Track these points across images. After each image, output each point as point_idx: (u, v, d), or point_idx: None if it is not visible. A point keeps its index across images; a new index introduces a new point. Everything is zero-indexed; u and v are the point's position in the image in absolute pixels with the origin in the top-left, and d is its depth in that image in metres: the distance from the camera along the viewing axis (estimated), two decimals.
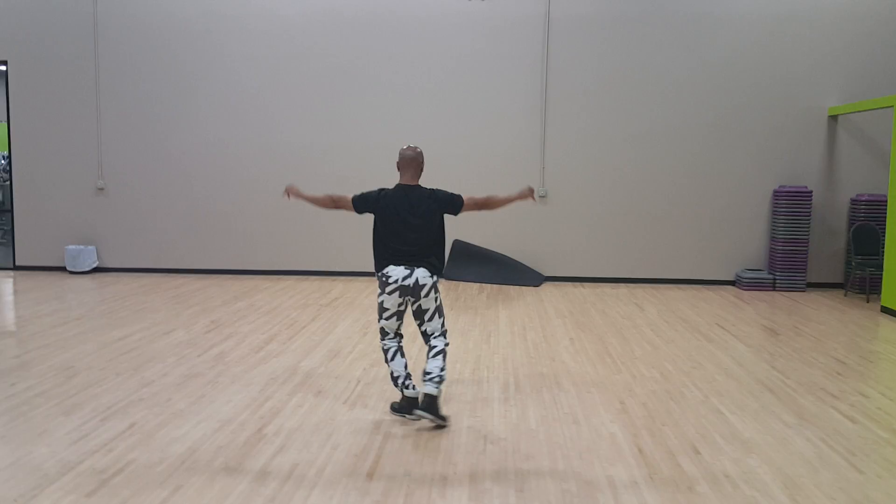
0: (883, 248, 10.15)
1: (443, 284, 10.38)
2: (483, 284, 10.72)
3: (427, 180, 10.47)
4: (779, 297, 10.18)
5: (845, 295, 10.43)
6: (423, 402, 4.94)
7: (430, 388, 4.93)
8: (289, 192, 5.43)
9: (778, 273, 10.67)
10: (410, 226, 5.10)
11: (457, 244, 10.94)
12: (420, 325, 5.23)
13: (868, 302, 9.88)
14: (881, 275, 9.96)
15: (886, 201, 10.40)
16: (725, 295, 10.31)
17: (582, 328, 8.06)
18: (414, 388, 5.13)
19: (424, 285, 5.07)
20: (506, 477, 4.21)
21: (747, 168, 10.93)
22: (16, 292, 9.85)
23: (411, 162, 5.27)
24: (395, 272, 5.07)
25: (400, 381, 5.09)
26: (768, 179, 10.94)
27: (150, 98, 11.33)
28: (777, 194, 10.77)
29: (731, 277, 11.07)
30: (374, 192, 5.24)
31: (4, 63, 11.44)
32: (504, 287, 10.55)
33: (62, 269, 11.57)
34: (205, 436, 4.77)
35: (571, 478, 4.20)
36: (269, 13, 11.11)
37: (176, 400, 5.48)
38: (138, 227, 11.49)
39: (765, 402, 5.65)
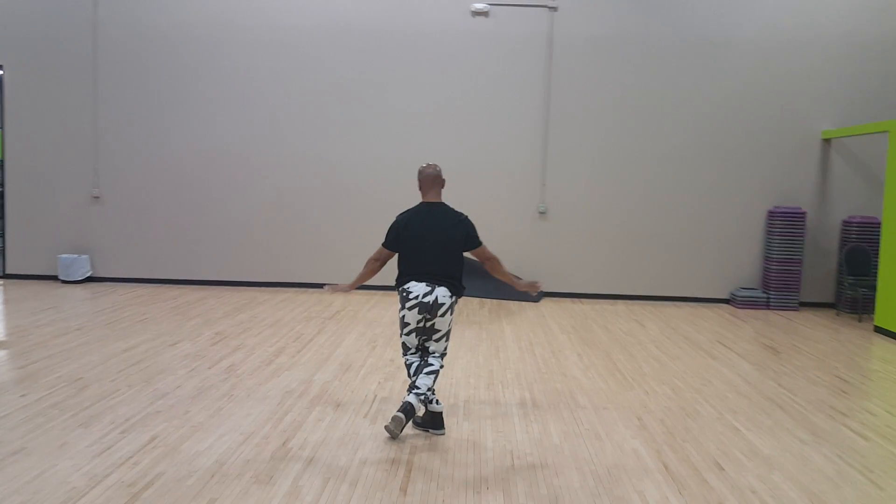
0: (874, 269, 10.32)
1: None
2: (483, 299, 10.75)
3: None
4: (773, 316, 10.31)
5: (837, 314, 10.58)
6: (402, 406, 4.92)
7: (412, 399, 4.94)
8: (335, 290, 5.44)
9: (772, 292, 10.81)
10: (433, 244, 5.14)
11: None
12: (425, 342, 5.25)
13: (860, 322, 10.04)
14: (873, 295, 10.13)
15: (878, 223, 10.59)
16: (721, 313, 10.42)
17: (587, 344, 8.11)
18: (438, 402, 5.15)
19: (443, 304, 5.10)
20: (538, 492, 4.23)
21: (743, 189, 11.09)
22: (8, 301, 9.72)
23: (434, 180, 5.32)
24: (417, 288, 5.10)
25: (423, 397, 5.10)
26: (763, 200, 11.10)
27: (148, 107, 11.27)
28: (772, 215, 10.93)
29: (725, 295, 11.20)
30: (395, 224, 5.28)
31: (1, 68, 11.33)
32: (504, 302, 10.59)
33: (54, 277, 11.43)
34: (230, 449, 4.75)
35: (603, 494, 4.23)
36: (271, 23, 11.12)
37: (194, 412, 5.44)
38: (133, 237, 11.40)
39: (777, 419, 5.72)
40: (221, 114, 11.24)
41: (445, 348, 5.28)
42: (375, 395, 6.00)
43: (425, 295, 5.07)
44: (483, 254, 5.31)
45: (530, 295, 10.80)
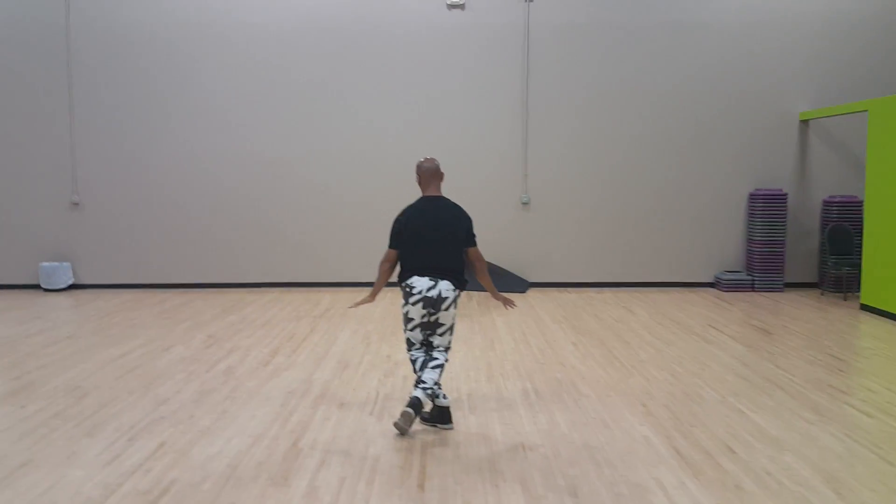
0: (857, 248, 10.46)
1: None
2: (471, 292, 10.72)
3: (411, 187, 10.48)
4: (758, 298, 10.42)
5: (822, 294, 10.72)
6: (410, 401, 4.92)
7: (419, 393, 4.93)
8: (359, 304, 5.45)
9: (756, 274, 10.92)
10: (436, 238, 5.13)
11: None
12: (429, 336, 5.23)
13: (846, 300, 10.18)
14: (857, 273, 10.27)
15: (858, 202, 10.73)
16: (707, 296, 10.51)
17: (581, 333, 8.14)
18: (445, 396, 5.14)
19: (446, 298, 5.09)
20: (555, 482, 4.24)
21: (724, 172, 11.19)
22: None
23: (434, 174, 5.31)
24: (420, 283, 5.08)
25: (430, 392, 5.09)
26: (744, 183, 11.20)
27: (125, 111, 11.11)
28: (753, 197, 11.04)
29: (710, 279, 11.30)
30: (397, 222, 5.26)
31: None
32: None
33: (35, 286, 11.25)
34: (240, 452, 4.71)
35: (620, 482, 4.25)
36: (245, 25, 11.01)
37: (198, 417, 5.39)
38: (115, 243, 11.25)
39: (780, 400, 5.79)
40: (199, 115, 11.11)
41: (450, 342, 5.27)
42: (378, 392, 5.98)
43: (429, 289, 5.05)
44: (475, 254, 5.29)
45: (517, 287, 10.82)
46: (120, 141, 11.13)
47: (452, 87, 11.08)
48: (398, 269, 5.30)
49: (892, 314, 8.85)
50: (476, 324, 8.59)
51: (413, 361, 5.24)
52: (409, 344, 5.29)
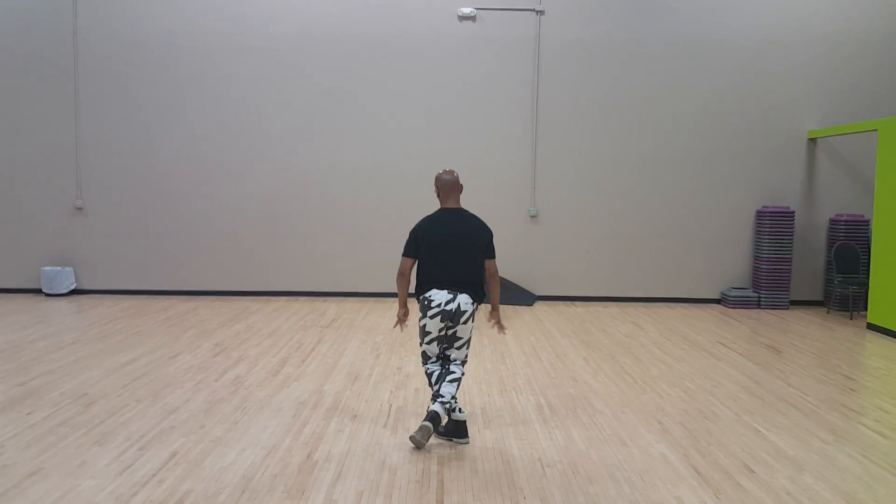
0: (863, 266, 10.45)
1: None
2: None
3: (419, 198, 10.47)
4: (765, 315, 10.39)
5: (828, 312, 10.69)
6: (428, 416, 4.86)
7: (437, 408, 4.89)
8: (400, 322, 5.38)
9: (762, 291, 10.89)
10: (455, 250, 5.08)
11: None
12: (446, 350, 5.19)
13: (852, 319, 10.15)
14: (863, 292, 10.25)
15: (865, 221, 10.73)
16: (714, 313, 10.48)
17: (590, 347, 8.10)
18: (461, 410, 5.08)
19: (465, 311, 5.05)
20: (575, 500, 4.18)
21: (731, 189, 11.18)
22: None
23: (453, 187, 5.28)
24: (438, 296, 5.03)
25: (448, 405, 5.03)
26: (751, 200, 11.20)
27: (131, 116, 11.07)
28: (760, 214, 11.02)
29: (716, 296, 11.27)
30: (414, 231, 5.21)
31: None
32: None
33: (37, 291, 11.18)
34: (254, 464, 4.64)
35: (641, 500, 4.20)
36: (257, 31, 10.99)
37: (210, 427, 5.32)
38: (118, 248, 11.19)
39: (794, 419, 5.74)
40: (205, 122, 11.08)
41: (466, 355, 5.23)
42: (391, 405, 5.92)
43: (447, 303, 5.01)
44: (492, 267, 5.25)
45: (523, 300, 10.78)
46: (124, 146, 11.09)
47: (462, 100, 11.06)
48: (414, 279, 5.25)
49: None
50: (485, 336, 8.54)
51: (429, 375, 5.19)
52: (425, 357, 5.24)
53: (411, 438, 4.87)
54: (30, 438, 5.06)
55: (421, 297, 5.14)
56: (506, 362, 7.37)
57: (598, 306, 10.85)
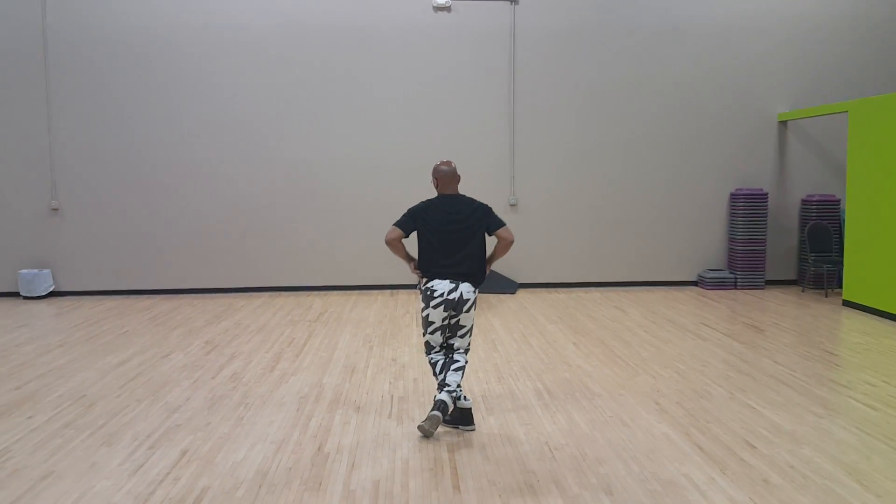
0: (836, 245, 10.72)
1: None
2: None
3: (399, 189, 10.51)
4: (742, 295, 10.61)
5: (803, 291, 10.95)
6: (436, 405, 4.94)
7: (444, 396, 4.96)
8: (415, 270, 5.36)
9: (738, 272, 11.12)
10: (455, 237, 5.13)
11: None
12: (449, 339, 5.26)
13: (827, 297, 10.41)
14: (836, 270, 10.52)
15: (836, 201, 11.00)
16: (692, 295, 10.68)
17: (578, 333, 8.22)
18: (466, 398, 5.16)
19: (468, 300, 5.12)
20: (588, 481, 4.29)
21: (705, 172, 11.38)
22: None
23: (451, 178, 5.33)
24: (441, 286, 5.10)
25: (454, 394, 5.11)
26: (725, 183, 11.41)
27: (105, 113, 10.94)
28: (734, 197, 11.24)
29: (693, 278, 11.48)
30: (414, 207, 5.25)
31: None
32: (482, 294, 10.63)
33: (15, 294, 11.02)
34: (267, 458, 4.68)
35: (651, 479, 4.32)
36: (230, 23, 10.91)
37: (216, 424, 5.34)
38: (96, 248, 11.07)
39: (786, 395, 5.91)
40: (181, 118, 10.99)
41: (469, 343, 5.30)
42: (392, 395, 5.99)
43: (450, 292, 5.08)
44: (507, 236, 5.18)
45: (506, 288, 10.88)
46: (99, 145, 10.96)
47: (438, 90, 11.10)
48: (419, 271, 5.30)
49: (875, 309, 9.07)
50: (475, 325, 8.60)
51: (433, 365, 5.25)
52: (428, 347, 5.30)
53: (420, 428, 4.94)
54: (36, 442, 5.04)
55: (423, 288, 5.20)
56: (498, 350, 7.46)
57: (580, 292, 11.00)
